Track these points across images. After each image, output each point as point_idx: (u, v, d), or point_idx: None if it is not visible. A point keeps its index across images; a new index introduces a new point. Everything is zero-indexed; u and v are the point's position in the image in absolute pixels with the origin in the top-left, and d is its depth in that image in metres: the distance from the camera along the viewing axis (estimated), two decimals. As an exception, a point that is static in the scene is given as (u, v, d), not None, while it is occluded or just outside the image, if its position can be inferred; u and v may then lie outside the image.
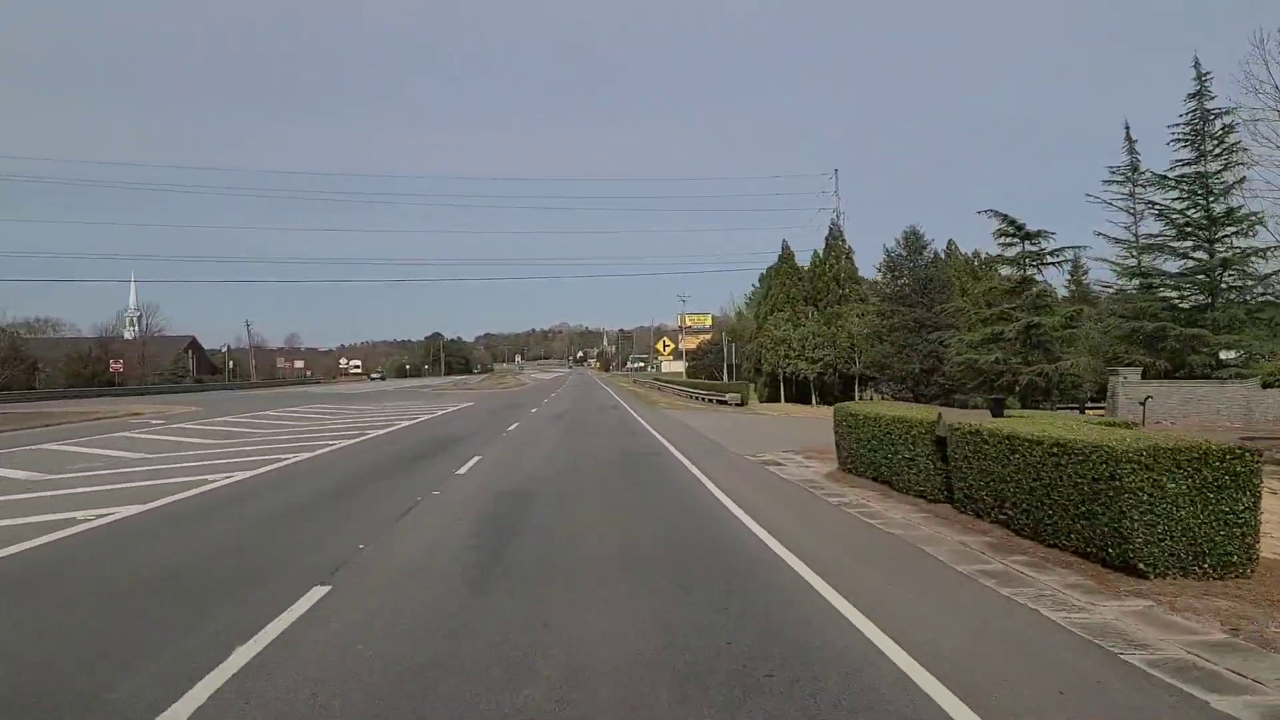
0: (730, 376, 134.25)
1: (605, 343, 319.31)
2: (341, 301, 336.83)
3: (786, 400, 56.61)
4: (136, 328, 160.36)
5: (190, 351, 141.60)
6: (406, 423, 28.82)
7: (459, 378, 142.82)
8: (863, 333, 55.94)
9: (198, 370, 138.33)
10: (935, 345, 40.05)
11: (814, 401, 56.07)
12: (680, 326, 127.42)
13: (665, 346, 78.21)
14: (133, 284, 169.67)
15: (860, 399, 57.36)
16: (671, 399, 50.98)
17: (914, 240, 41.97)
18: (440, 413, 35.73)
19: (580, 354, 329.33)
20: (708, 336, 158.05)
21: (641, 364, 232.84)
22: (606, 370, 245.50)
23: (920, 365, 40.06)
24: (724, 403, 42.50)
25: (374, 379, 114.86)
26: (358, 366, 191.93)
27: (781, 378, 56.88)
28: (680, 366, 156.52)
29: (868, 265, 60.04)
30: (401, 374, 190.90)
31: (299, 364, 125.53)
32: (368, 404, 46.06)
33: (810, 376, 54.64)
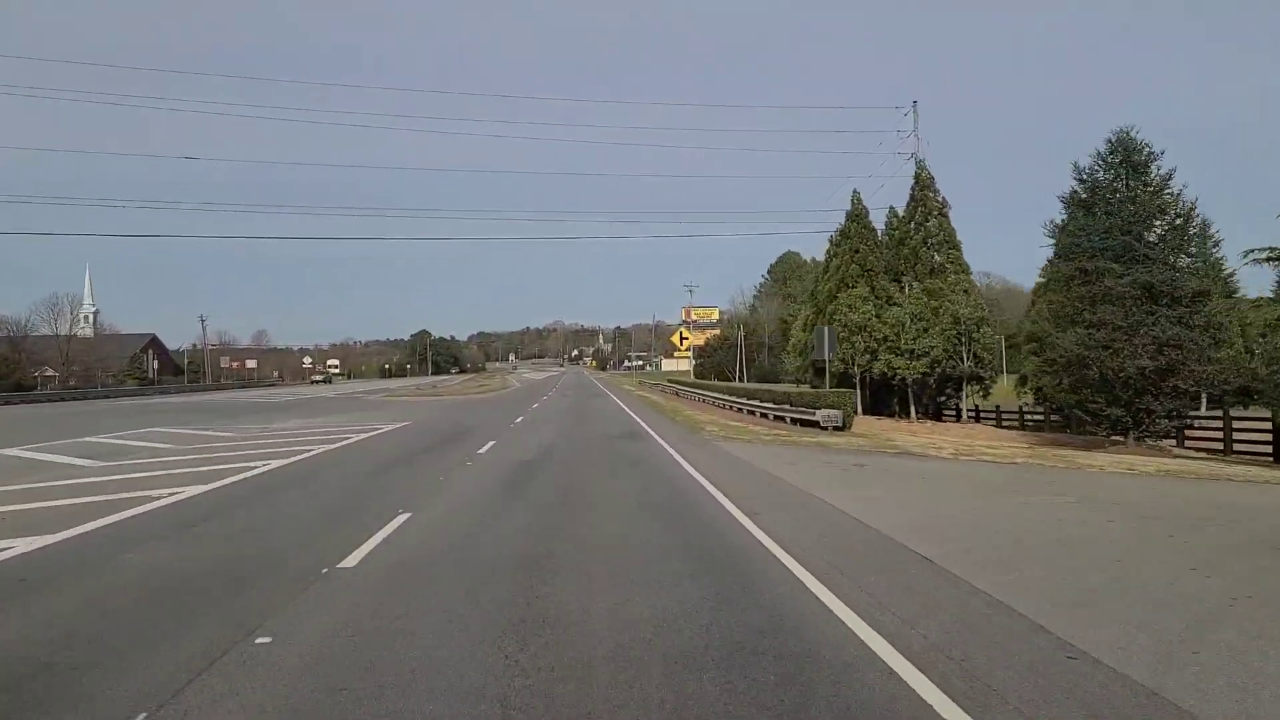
0: (744, 377, 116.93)
1: (601, 341, 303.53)
2: (330, 299, 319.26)
3: (863, 411, 39.56)
4: (91, 324, 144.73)
5: (150, 350, 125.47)
6: (181, 494, 11.63)
7: (438, 378, 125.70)
8: (974, 316, 38.94)
9: (159, 371, 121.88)
10: (1177, 327, 23.12)
11: (912, 413, 39.00)
12: (686, 320, 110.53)
13: (683, 340, 62.03)
14: (87, 276, 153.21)
15: (967, 409, 40.42)
16: (712, 414, 33.69)
17: (1128, 151, 24.86)
18: (314, 452, 18.56)
19: (575, 352, 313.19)
20: (715, 332, 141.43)
21: (640, 362, 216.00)
22: (603, 369, 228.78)
23: (1151, 362, 23.01)
24: (810, 423, 25.42)
25: (316, 381, 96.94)
26: (336, 366, 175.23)
27: (859, 380, 39.77)
28: (685, 365, 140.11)
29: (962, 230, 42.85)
30: (385, 374, 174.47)
31: (251, 364, 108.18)
32: (249, 422, 29.12)
33: (911, 378, 37.51)
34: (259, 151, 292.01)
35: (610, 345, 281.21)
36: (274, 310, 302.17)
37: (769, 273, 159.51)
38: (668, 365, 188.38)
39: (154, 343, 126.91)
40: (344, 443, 21.07)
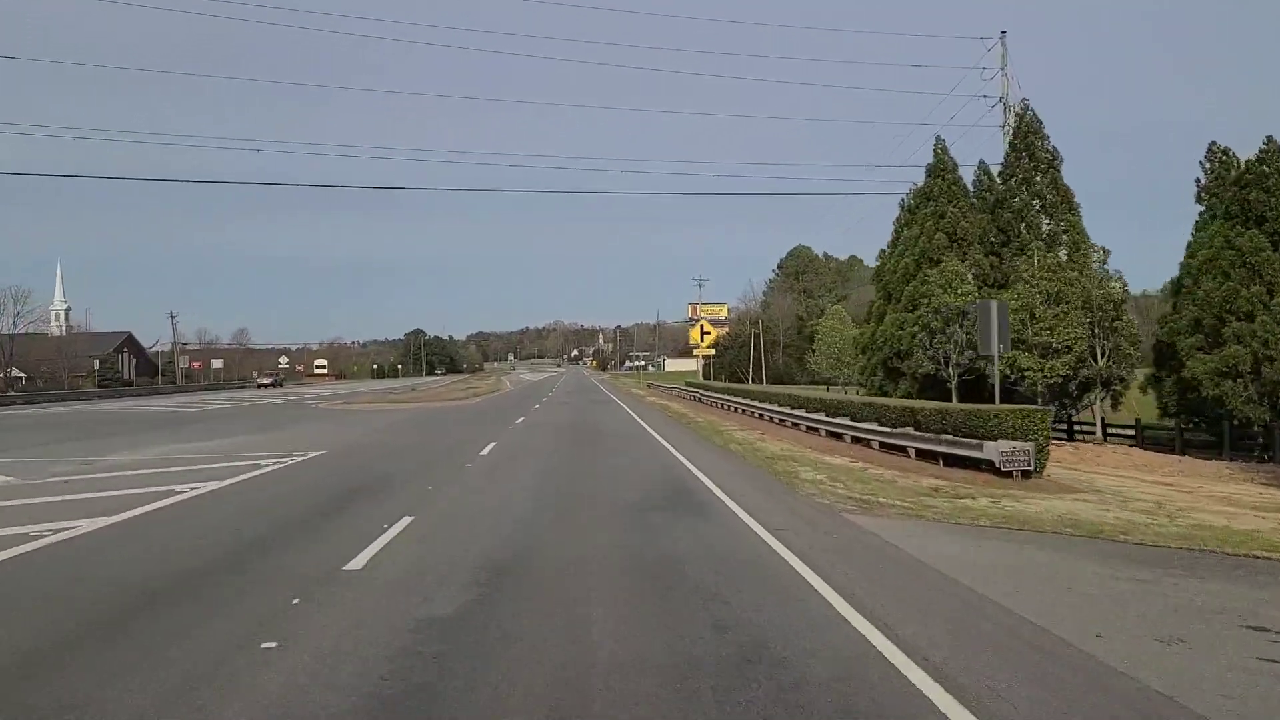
0: (763, 378, 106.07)
1: (601, 340, 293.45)
2: (327, 299, 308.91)
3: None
4: (63, 322, 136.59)
5: (126, 350, 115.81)
6: None
7: (418, 380, 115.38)
8: (1113, 298, 28.59)
9: (135, 371, 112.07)
10: None
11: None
12: (693, 317, 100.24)
13: (703, 335, 52.13)
14: (59, 271, 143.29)
15: (1080, 422, 29.88)
16: (776, 438, 23.05)
17: None
18: (35, 545, 8.10)
19: (575, 352, 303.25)
20: (724, 330, 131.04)
21: (643, 362, 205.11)
22: (604, 369, 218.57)
23: None
24: (961, 460, 15.08)
25: (263, 385, 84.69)
26: (322, 367, 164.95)
27: (953, 384, 29.33)
28: (692, 364, 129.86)
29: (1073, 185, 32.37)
30: (378, 375, 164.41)
31: (217, 364, 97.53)
32: (91, 450, 18.88)
33: (1047, 382, 26.89)
34: (250, 145, 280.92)
35: (611, 345, 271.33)
36: (270, 310, 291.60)
37: (779, 268, 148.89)
38: (672, 365, 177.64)
39: (129, 342, 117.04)
40: (137, 511, 10.62)
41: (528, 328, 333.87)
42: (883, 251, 35.99)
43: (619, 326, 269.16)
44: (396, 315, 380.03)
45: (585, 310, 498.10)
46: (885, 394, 33.14)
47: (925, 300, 29.61)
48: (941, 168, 32.99)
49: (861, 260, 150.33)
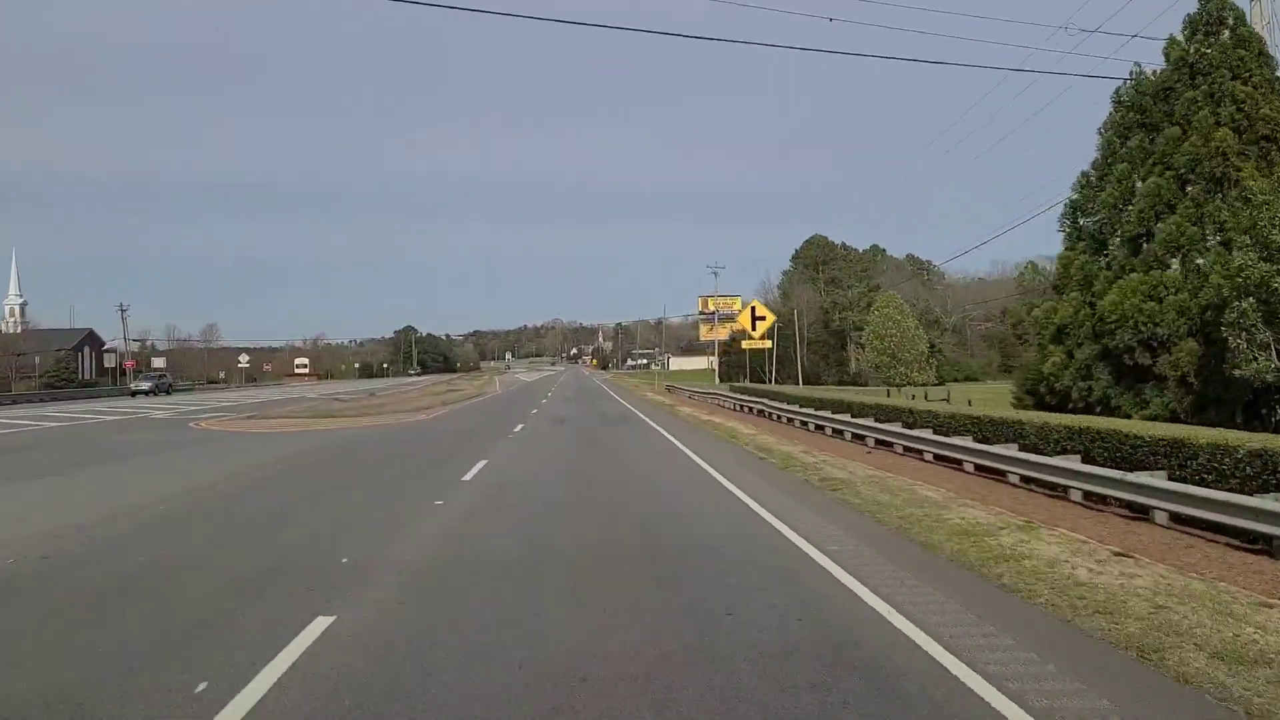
0: (800, 379, 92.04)
1: (601, 338, 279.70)
2: (318, 297, 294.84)
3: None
4: (18, 319, 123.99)
5: (88, 348, 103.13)
6: None
7: (398, 380, 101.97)
8: None
9: (95, 371, 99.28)
10: None
11: None
12: (704, 311, 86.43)
13: (757, 320, 38.64)
14: (14, 263, 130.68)
15: None
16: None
17: None
18: None
19: (574, 350, 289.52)
20: (737, 325, 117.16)
21: (645, 361, 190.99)
22: (605, 368, 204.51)
23: None
24: None
25: (137, 390, 63.33)
26: (304, 367, 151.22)
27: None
28: (701, 362, 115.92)
29: None
30: (367, 374, 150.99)
31: (159, 364, 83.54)
32: None
33: None
34: (244, 143, 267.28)
35: (611, 343, 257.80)
36: (266, 309, 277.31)
37: (795, 259, 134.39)
38: (676, 364, 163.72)
39: (91, 339, 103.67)
40: None
41: (525, 326, 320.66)
42: (1083, 176, 21.75)
43: (619, 324, 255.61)
44: (393, 314, 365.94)
45: (584, 309, 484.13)
46: (1110, 409, 19.14)
47: (1247, 233, 15.42)
48: (1218, 19, 18.86)
49: (884, 250, 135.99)
